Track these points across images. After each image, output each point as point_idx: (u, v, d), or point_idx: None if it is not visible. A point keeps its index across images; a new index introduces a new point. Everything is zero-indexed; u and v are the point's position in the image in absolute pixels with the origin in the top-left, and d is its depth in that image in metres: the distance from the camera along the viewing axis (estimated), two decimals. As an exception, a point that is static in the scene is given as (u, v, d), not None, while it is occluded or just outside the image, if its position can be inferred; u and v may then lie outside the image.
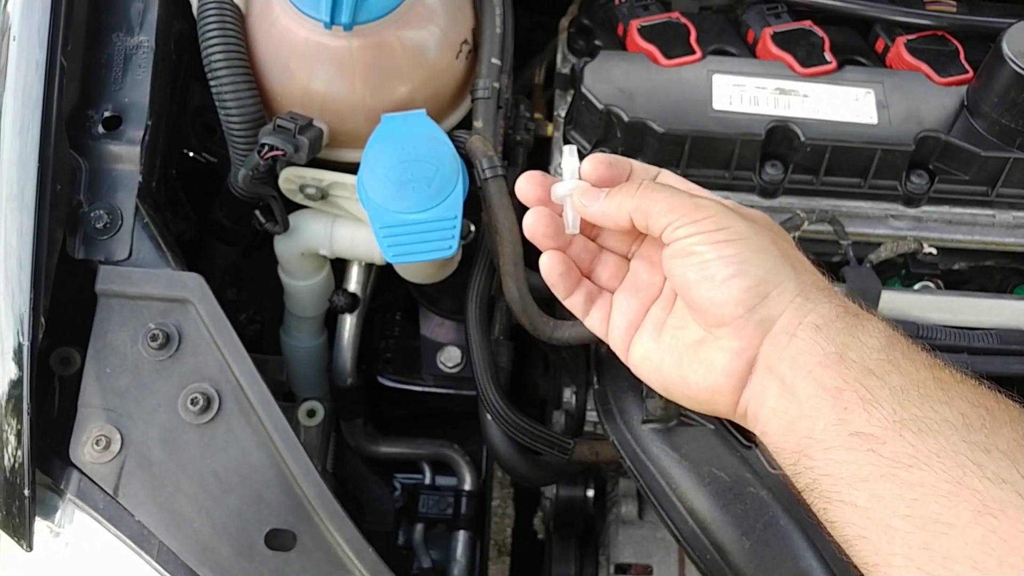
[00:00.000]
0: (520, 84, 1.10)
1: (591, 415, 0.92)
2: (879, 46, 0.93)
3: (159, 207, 0.81)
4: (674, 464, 0.71)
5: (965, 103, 0.85)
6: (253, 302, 1.10)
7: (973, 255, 0.88)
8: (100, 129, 0.78)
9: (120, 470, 0.69)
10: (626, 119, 0.83)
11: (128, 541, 0.66)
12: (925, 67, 0.88)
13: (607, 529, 1.03)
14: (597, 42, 0.94)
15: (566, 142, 0.90)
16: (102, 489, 0.68)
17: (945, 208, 0.86)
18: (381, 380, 1.10)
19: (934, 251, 0.84)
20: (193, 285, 0.73)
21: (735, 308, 0.54)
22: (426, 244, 0.74)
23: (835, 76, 0.87)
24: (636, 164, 0.63)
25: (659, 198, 0.57)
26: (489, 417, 0.85)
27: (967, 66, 0.88)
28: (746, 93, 0.84)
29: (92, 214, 0.76)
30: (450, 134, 0.80)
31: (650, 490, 0.72)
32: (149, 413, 0.70)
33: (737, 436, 0.72)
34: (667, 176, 0.63)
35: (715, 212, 0.56)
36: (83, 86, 0.79)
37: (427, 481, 1.17)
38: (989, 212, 0.86)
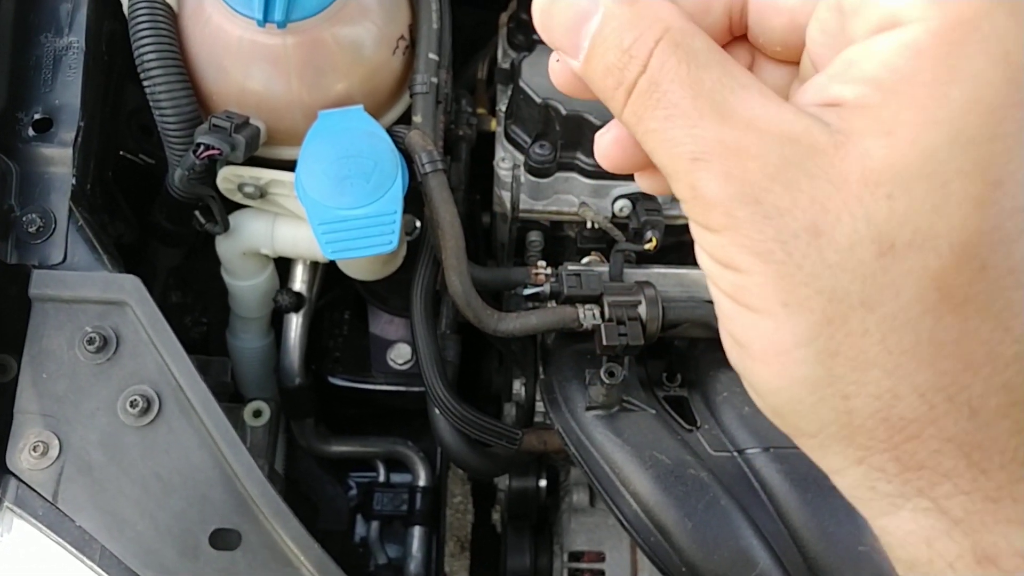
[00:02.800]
0: (463, 80, 1.10)
1: (540, 406, 0.93)
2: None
3: (95, 210, 0.80)
4: (617, 449, 0.72)
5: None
6: (198, 304, 1.09)
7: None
8: (30, 132, 0.77)
9: (59, 475, 0.68)
10: (564, 112, 0.84)
11: (69, 547, 0.66)
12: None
13: (560, 518, 1.04)
14: (536, 37, 0.95)
15: (506, 136, 0.91)
16: (41, 495, 0.67)
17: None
18: (331, 380, 1.10)
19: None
20: (130, 287, 0.73)
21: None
22: (366, 240, 0.74)
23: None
24: None
25: (656, 136, 0.31)
26: (437, 411, 0.86)
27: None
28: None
29: (24, 218, 0.74)
30: (389, 130, 0.80)
31: (595, 476, 0.73)
32: (88, 417, 0.69)
33: (677, 420, 0.73)
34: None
35: (736, 221, 0.30)
36: (11, 88, 0.77)
37: (381, 479, 1.17)
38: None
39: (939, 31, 0.28)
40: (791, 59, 0.35)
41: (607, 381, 0.71)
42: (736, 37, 0.36)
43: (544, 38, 0.34)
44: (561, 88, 0.36)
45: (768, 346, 0.31)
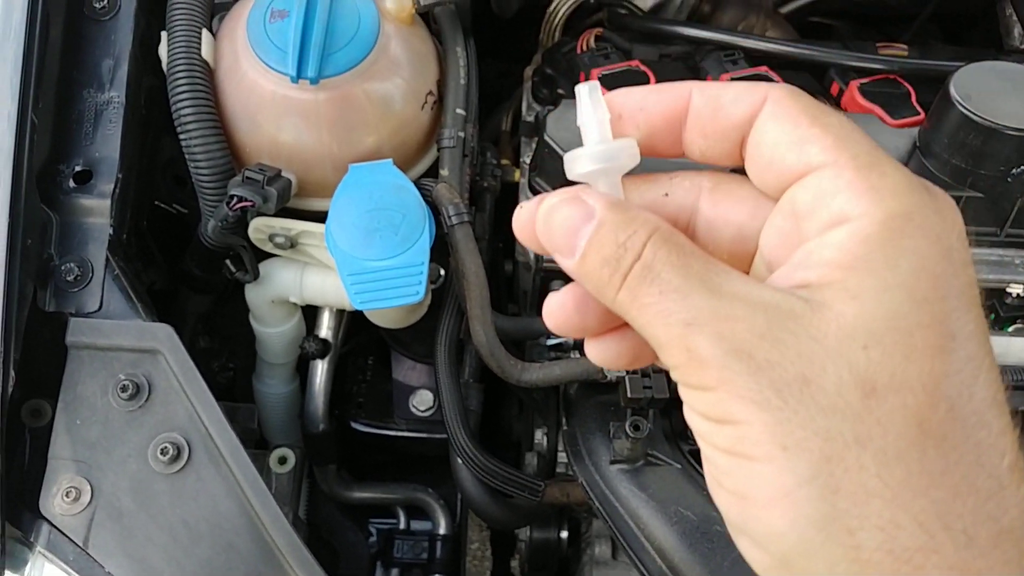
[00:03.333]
0: (488, 131, 1.12)
1: (562, 456, 0.93)
2: (834, 90, 0.96)
3: (130, 258, 0.82)
4: (642, 504, 0.72)
5: (917, 144, 0.88)
6: (225, 349, 1.10)
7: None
8: (71, 183, 0.79)
9: (90, 521, 0.69)
10: (589, 165, 0.85)
11: (97, 594, 0.66)
12: (878, 110, 0.91)
13: (581, 570, 1.03)
14: (560, 91, 0.97)
15: (531, 189, 0.92)
16: (72, 541, 0.68)
17: (900, 246, 0.88)
18: (354, 425, 1.10)
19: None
20: (163, 336, 0.74)
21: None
22: (393, 290, 0.75)
23: (791, 120, 0.89)
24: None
25: (650, 310, 0.34)
26: (459, 460, 0.86)
27: (919, 108, 0.91)
28: (704, 138, 0.87)
29: (63, 267, 0.76)
30: (416, 183, 0.82)
31: (619, 530, 0.73)
32: (119, 464, 0.70)
33: (703, 474, 0.73)
34: (725, 184, 0.40)
35: (731, 375, 0.33)
36: (54, 141, 0.80)
37: (402, 526, 1.17)
38: (943, 249, 0.88)
39: (882, 221, 0.33)
40: (736, 266, 0.39)
41: (632, 435, 0.72)
42: None
43: (543, 241, 0.38)
44: (526, 243, 0.40)
45: (772, 491, 0.32)
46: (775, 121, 0.37)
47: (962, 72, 0.82)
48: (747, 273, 0.39)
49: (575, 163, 0.38)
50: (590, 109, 0.39)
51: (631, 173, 0.39)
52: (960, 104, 0.80)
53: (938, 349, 0.32)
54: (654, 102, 0.39)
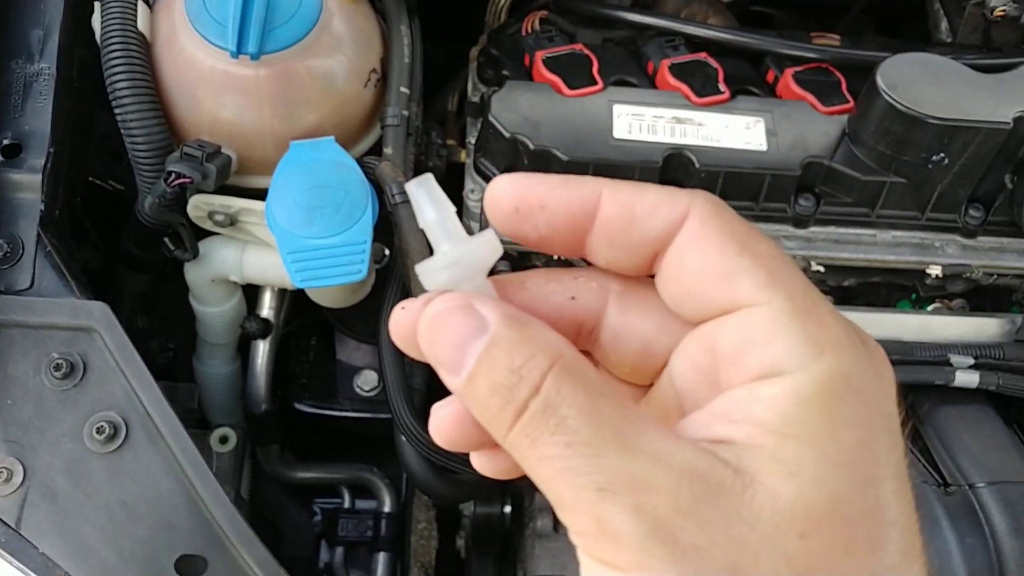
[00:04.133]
0: (434, 112, 1.12)
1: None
2: (769, 77, 0.98)
3: (63, 235, 0.80)
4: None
5: (847, 131, 0.90)
6: (165, 330, 1.08)
7: (860, 272, 0.94)
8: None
9: (22, 502, 0.68)
10: (532, 147, 0.86)
11: (32, 574, 0.65)
12: (811, 97, 0.94)
13: (524, 544, 1.05)
14: (505, 72, 0.97)
15: (475, 168, 0.93)
16: (3, 522, 0.67)
17: (831, 228, 0.91)
18: (298, 406, 1.10)
19: (821, 268, 0.89)
20: (98, 313, 0.73)
21: None
22: (335, 269, 0.75)
23: (728, 106, 0.92)
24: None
25: (554, 464, 0.30)
26: (403, 438, 0.87)
27: (848, 96, 0.94)
28: (645, 122, 0.88)
29: (-8, 243, 0.75)
30: (359, 160, 0.82)
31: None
32: (53, 443, 0.69)
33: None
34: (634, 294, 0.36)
35: (650, 560, 0.29)
36: (-18, 114, 0.78)
37: (346, 505, 1.17)
38: (871, 232, 0.91)
39: (821, 382, 0.30)
40: (638, 382, 0.36)
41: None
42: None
43: (425, 352, 0.33)
44: (407, 351, 0.34)
45: None
46: (698, 246, 0.32)
47: (889, 62, 0.85)
48: (650, 392, 0.36)
49: (431, 276, 0.34)
50: (430, 209, 0.34)
51: (529, 269, 0.36)
52: (886, 93, 0.83)
53: (876, 542, 0.29)
54: (557, 201, 0.34)
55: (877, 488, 0.30)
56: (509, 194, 0.35)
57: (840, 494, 0.29)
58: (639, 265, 0.34)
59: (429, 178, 0.35)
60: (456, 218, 0.35)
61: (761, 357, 0.30)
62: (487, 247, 0.34)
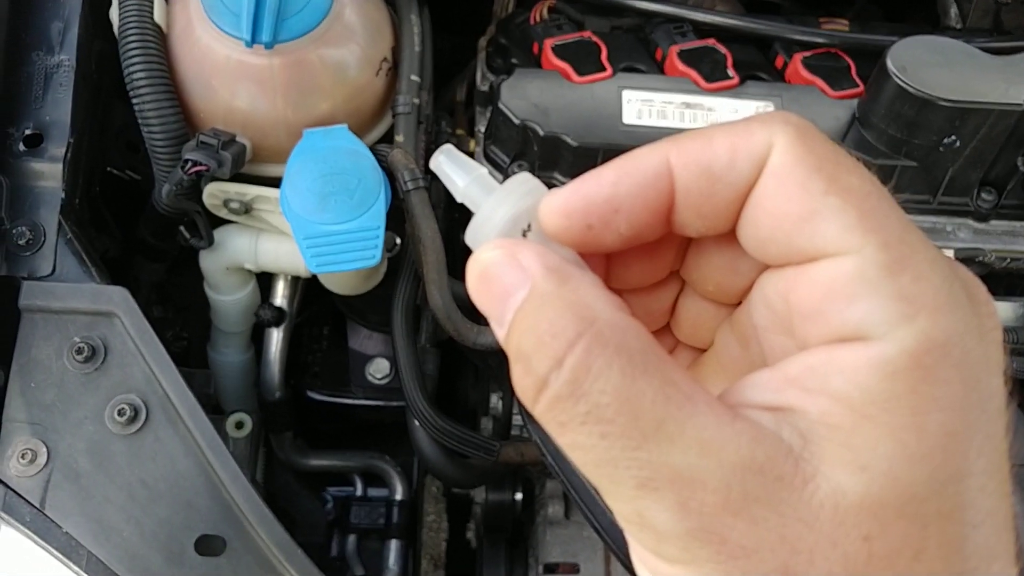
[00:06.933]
0: (443, 103, 1.13)
1: (517, 419, 0.95)
2: (778, 62, 0.99)
3: (83, 224, 0.81)
4: (592, 458, 0.74)
5: (856, 115, 0.91)
6: (179, 319, 1.10)
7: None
8: (21, 147, 0.78)
9: (46, 483, 0.69)
10: (542, 134, 0.87)
11: (56, 553, 0.67)
12: (820, 82, 0.94)
13: (535, 531, 1.06)
14: (514, 60, 0.98)
15: (485, 156, 0.94)
16: (28, 502, 0.68)
17: (842, 213, 0.92)
18: (310, 395, 1.11)
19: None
20: (118, 298, 0.74)
21: None
22: (349, 254, 0.76)
23: (737, 91, 0.92)
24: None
25: (589, 455, 0.27)
26: (416, 423, 0.88)
27: (858, 81, 0.94)
28: (654, 108, 0.89)
29: (14, 231, 0.76)
30: (372, 148, 0.83)
31: (571, 485, 0.75)
32: (75, 425, 0.71)
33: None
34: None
35: (695, 559, 0.27)
36: (3, 104, 0.79)
37: (358, 493, 1.19)
38: (881, 216, 0.92)
39: (913, 353, 0.25)
40: (722, 300, 0.34)
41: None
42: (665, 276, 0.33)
43: (474, 300, 0.31)
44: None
45: None
46: (779, 184, 0.28)
47: (899, 46, 0.85)
48: (726, 324, 0.32)
49: (480, 230, 0.32)
50: (460, 174, 0.34)
51: None
52: (896, 76, 0.83)
53: (953, 547, 0.26)
54: (628, 197, 0.30)
55: (960, 485, 0.26)
56: (573, 215, 0.30)
57: (915, 493, 0.25)
58: (734, 220, 0.30)
59: (450, 148, 0.35)
60: (488, 176, 0.33)
61: (842, 317, 0.26)
62: (524, 186, 0.32)
